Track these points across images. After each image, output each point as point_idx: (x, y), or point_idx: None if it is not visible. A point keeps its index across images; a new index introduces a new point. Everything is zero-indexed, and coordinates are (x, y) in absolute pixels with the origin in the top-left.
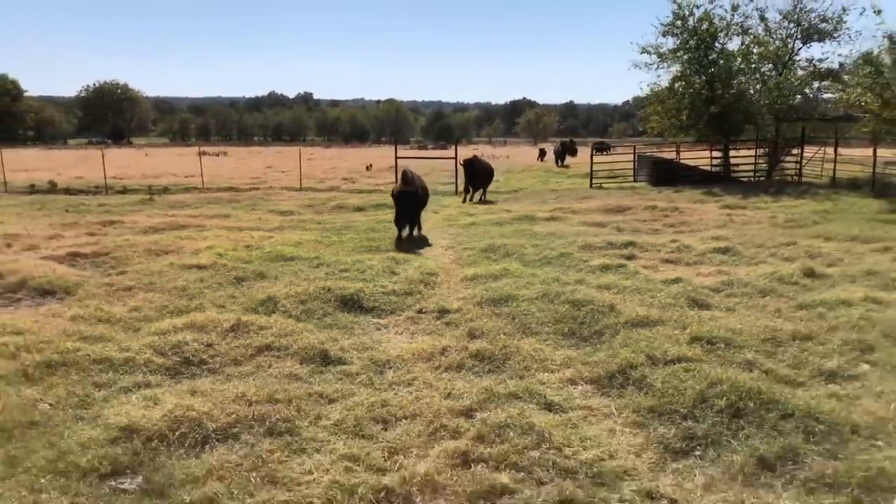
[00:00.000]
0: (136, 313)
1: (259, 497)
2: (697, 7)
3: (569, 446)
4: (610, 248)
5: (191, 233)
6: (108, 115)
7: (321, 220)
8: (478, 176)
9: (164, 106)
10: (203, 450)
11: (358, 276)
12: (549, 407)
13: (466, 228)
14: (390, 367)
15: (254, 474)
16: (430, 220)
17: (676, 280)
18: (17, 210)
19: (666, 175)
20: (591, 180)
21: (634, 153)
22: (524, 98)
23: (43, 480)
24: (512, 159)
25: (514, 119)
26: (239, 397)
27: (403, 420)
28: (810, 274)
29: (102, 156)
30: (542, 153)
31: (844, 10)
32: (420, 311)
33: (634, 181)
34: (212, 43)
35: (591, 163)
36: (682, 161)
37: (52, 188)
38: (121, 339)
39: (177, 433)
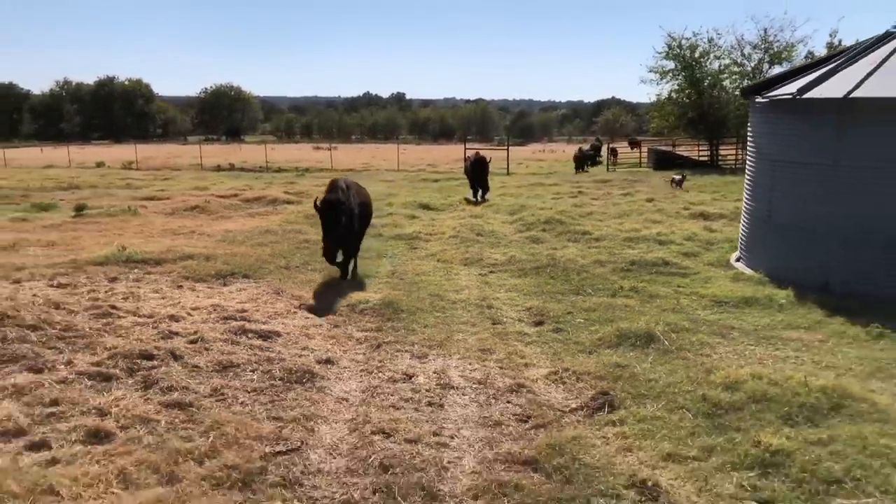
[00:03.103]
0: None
1: (408, 228)
2: (686, 39)
3: (486, 229)
4: (568, 195)
5: None
6: (223, 114)
7: (413, 185)
8: (483, 175)
9: (266, 105)
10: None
11: (430, 199)
12: (487, 223)
13: (498, 188)
14: (439, 220)
15: (407, 220)
16: None
17: (579, 199)
18: (225, 178)
19: (664, 162)
20: (607, 166)
21: (640, 146)
22: (612, 97)
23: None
24: (567, 154)
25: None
26: (385, 224)
27: (441, 225)
28: (650, 200)
29: (265, 148)
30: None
31: (792, 45)
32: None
33: (640, 167)
34: (309, 44)
35: (608, 154)
36: (678, 152)
37: (231, 167)
38: None
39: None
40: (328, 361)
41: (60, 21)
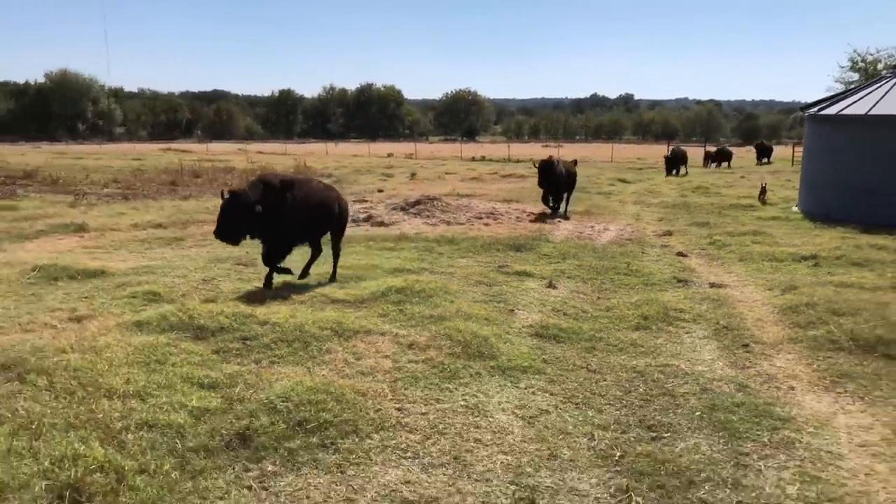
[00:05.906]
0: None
1: (605, 189)
2: (870, 54)
3: (656, 191)
4: (728, 175)
5: None
6: (461, 116)
7: (618, 170)
8: (553, 182)
9: (498, 108)
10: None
11: (626, 177)
12: (658, 189)
13: (688, 175)
14: (627, 186)
15: (607, 185)
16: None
17: (733, 179)
18: (480, 165)
19: None
20: (791, 161)
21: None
22: None
23: None
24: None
25: None
26: (592, 187)
27: (626, 189)
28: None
29: (508, 147)
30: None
31: None
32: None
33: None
34: (539, 48)
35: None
36: None
37: (483, 158)
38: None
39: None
40: (554, 226)
41: (330, 32)
